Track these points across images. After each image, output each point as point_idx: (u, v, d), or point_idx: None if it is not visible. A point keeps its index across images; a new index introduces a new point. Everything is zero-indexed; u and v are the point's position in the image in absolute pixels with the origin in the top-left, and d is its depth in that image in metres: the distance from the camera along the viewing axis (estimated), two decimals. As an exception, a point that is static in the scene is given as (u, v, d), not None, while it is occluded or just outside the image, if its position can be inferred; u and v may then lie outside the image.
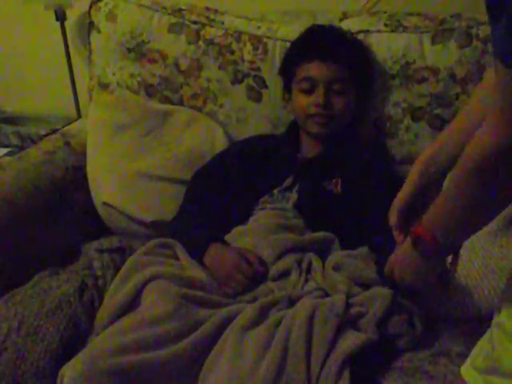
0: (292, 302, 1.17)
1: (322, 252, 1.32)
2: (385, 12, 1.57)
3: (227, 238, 1.37)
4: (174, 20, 1.62)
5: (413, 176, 1.03)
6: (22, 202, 1.43)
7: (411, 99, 1.50)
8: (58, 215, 1.51)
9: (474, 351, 0.87)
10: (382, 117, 1.54)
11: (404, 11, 1.56)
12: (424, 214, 0.96)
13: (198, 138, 1.61)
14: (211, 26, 1.60)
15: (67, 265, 1.41)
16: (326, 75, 1.42)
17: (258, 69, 1.58)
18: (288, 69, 1.50)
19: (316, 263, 1.27)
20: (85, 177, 1.60)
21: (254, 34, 1.58)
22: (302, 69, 1.45)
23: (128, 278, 1.25)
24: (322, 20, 1.57)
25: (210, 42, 1.60)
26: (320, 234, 1.34)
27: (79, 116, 2.04)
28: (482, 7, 0.69)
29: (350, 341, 1.06)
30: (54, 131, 1.77)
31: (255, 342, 1.06)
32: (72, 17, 1.98)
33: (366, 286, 1.20)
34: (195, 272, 1.28)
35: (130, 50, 1.65)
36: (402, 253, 1.08)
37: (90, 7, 1.68)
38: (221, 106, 1.64)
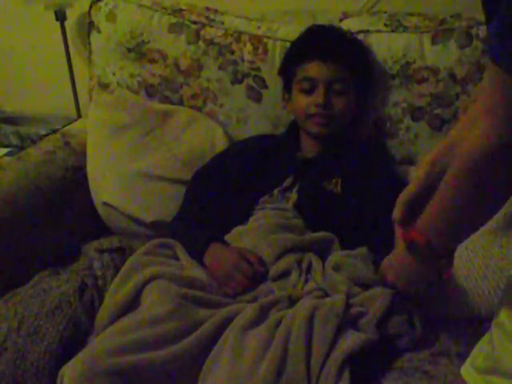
0: (292, 302, 1.17)
1: (322, 252, 1.32)
2: (385, 12, 1.57)
3: (227, 237, 1.37)
4: (174, 20, 1.62)
5: (419, 175, 1.03)
6: (22, 202, 1.43)
7: (411, 99, 1.50)
8: (58, 215, 1.52)
9: (474, 351, 0.87)
10: (382, 117, 1.54)
11: (404, 11, 1.56)
12: (418, 219, 0.97)
13: (198, 138, 1.61)
14: (211, 26, 1.60)
15: (67, 265, 1.41)
16: (326, 75, 1.42)
17: (258, 69, 1.58)
18: (288, 69, 1.50)
19: (316, 263, 1.27)
20: (85, 177, 1.60)
21: (254, 34, 1.58)
22: (301, 69, 1.45)
23: (128, 277, 1.25)
24: (322, 20, 1.57)
25: (210, 42, 1.60)
26: (320, 234, 1.33)
27: (79, 116, 2.04)
28: (482, 7, 0.69)
29: (350, 341, 1.06)
30: (54, 131, 1.77)
31: (255, 342, 1.06)
32: (72, 17, 1.98)
33: (365, 285, 1.20)
34: (195, 272, 1.28)
35: (130, 50, 1.65)
36: (396, 257, 1.08)
37: (90, 7, 1.68)
38: (221, 105, 1.64)
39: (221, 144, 1.61)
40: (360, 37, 1.51)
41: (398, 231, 1.04)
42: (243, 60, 1.58)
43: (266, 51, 1.57)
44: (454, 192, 0.82)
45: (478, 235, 1.29)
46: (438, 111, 1.49)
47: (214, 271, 1.28)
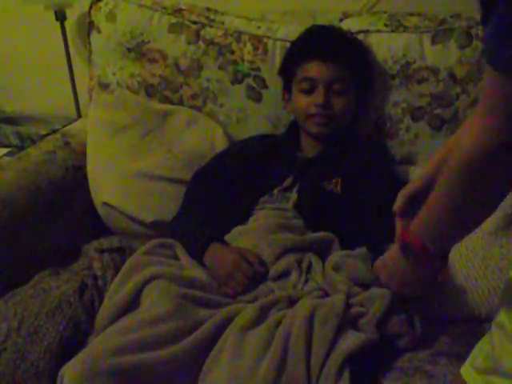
0: (292, 302, 1.17)
1: (322, 252, 1.32)
2: (385, 12, 1.57)
3: (227, 237, 1.36)
4: (174, 20, 1.62)
5: (423, 172, 1.03)
6: (22, 202, 1.43)
7: (411, 99, 1.50)
8: (58, 215, 1.52)
9: (474, 351, 0.87)
10: (382, 117, 1.54)
11: (404, 11, 1.56)
12: (412, 222, 0.97)
13: (198, 138, 1.61)
14: (211, 26, 1.60)
15: (67, 265, 1.41)
16: (326, 75, 1.42)
17: (258, 69, 1.58)
18: (288, 69, 1.50)
19: (316, 263, 1.27)
20: (85, 177, 1.60)
21: (254, 34, 1.58)
22: (301, 69, 1.45)
23: (128, 277, 1.25)
24: (322, 20, 1.57)
25: (210, 42, 1.60)
26: (320, 234, 1.33)
27: (79, 116, 2.05)
28: (482, 7, 0.69)
29: (350, 341, 1.06)
30: (54, 131, 1.77)
31: (255, 342, 1.06)
32: (72, 17, 1.98)
33: (365, 286, 1.20)
34: (195, 272, 1.28)
35: (130, 50, 1.65)
36: (390, 259, 1.08)
37: (90, 7, 1.68)
38: (221, 105, 1.64)
39: (221, 144, 1.61)
40: (360, 37, 1.51)
41: (398, 224, 1.04)
42: (243, 60, 1.58)
43: (265, 51, 1.57)
44: (449, 193, 0.82)
45: (478, 235, 1.29)
46: (438, 111, 1.49)
47: (214, 271, 1.28)
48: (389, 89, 1.51)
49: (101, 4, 1.66)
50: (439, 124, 1.49)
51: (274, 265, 1.27)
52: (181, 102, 1.66)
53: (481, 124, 0.72)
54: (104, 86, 1.70)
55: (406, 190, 1.04)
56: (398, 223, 1.04)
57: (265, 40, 1.57)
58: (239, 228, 1.38)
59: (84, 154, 1.62)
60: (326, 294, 1.20)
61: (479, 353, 0.85)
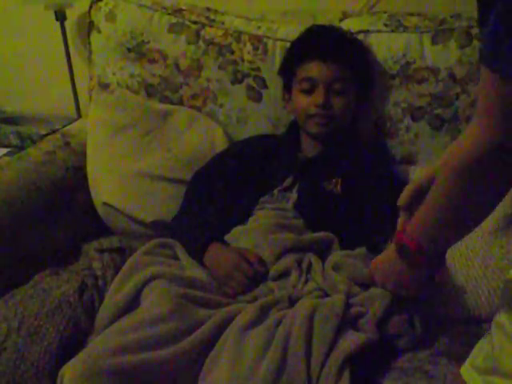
0: (292, 302, 1.17)
1: (322, 252, 1.32)
2: (385, 12, 1.57)
3: (227, 237, 1.36)
4: (174, 20, 1.62)
5: (431, 171, 1.02)
6: (21, 202, 1.43)
7: (411, 99, 1.50)
8: (58, 215, 1.51)
9: (474, 351, 0.87)
10: (382, 117, 1.54)
11: (404, 11, 1.55)
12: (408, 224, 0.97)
13: (198, 138, 1.61)
14: (211, 26, 1.60)
15: (67, 265, 1.41)
16: (326, 75, 1.42)
17: (258, 69, 1.58)
18: (288, 69, 1.50)
19: (316, 263, 1.27)
20: (85, 177, 1.60)
21: (254, 34, 1.58)
22: (302, 69, 1.45)
23: (128, 277, 1.25)
24: (322, 20, 1.57)
25: (210, 42, 1.60)
26: (320, 234, 1.33)
27: (79, 116, 2.04)
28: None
29: (350, 341, 1.06)
30: (54, 131, 1.77)
31: (255, 342, 1.06)
32: (72, 17, 1.98)
33: (365, 286, 1.20)
34: (195, 272, 1.28)
35: (130, 50, 1.65)
36: (386, 260, 1.08)
37: (90, 7, 1.68)
38: (221, 105, 1.64)
39: (221, 144, 1.61)
40: (360, 37, 1.51)
41: (401, 218, 1.04)
42: (243, 60, 1.58)
43: (265, 51, 1.57)
44: (447, 193, 0.82)
45: (478, 235, 1.29)
46: (438, 111, 1.49)
47: (214, 271, 1.28)
48: (389, 89, 1.51)
49: (101, 4, 1.66)
50: (439, 124, 1.49)
51: (273, 265, 1.27)
52: (181, 102, 1.66)
53: (478, 125, 0.72)
54: (104, 86, 1.70)
55: (414, 184, 1.03)
56: (402, 217, 1.04)
57: (265, 40, 1.57)
58: (239, 228, 1.38)
59: (84, 153, 1.62)
60: (326, 294, 1.20)
61: (479, 353, 0.85)
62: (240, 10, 1.66)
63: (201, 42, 1.61)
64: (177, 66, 1.63)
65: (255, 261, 1.26)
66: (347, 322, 1.11)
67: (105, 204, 1.57)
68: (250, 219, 1.40)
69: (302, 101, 1.44)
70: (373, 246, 1.29)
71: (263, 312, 1.14)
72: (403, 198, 1.04)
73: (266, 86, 1.59)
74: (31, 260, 1.40)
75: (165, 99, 1.67)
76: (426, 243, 0.94)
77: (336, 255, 1.28)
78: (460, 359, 0.90)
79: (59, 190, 1.53)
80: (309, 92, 1.44)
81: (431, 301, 1.23)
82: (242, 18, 1.61)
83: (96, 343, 1.09)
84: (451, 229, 0.89)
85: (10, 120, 2.15)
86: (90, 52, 1.71)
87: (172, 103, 1.67)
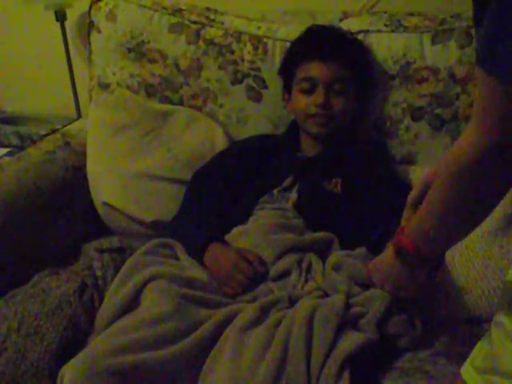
0: (292, 302, 1.17)
1: (322, 252, 1.32)
2: (385, 12, 1.57)
3: (227, 238, 1.36)
4: (174, 20, 1.62)
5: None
6: (21, 202, 1.43)
7: (411, 99, 1.50)
8: (58, 215, 1.51)
9: (474, 351, 0.87)
10: (382, 117, 1.54)
11: (404, 11, 1.55)
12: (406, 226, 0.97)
13: (198, 138, 1.62)
14: (211, 26, 1.60)
15: (67, 265, 1.41)
16: (326, 75, 1.42)
17: (258, 69, 1.58)
18: (288, 69, 1.50)
19: (316, 263, 1.27)
20: (85, 177, 1.60)
21: (254, 34, 1.58)
22: (301, 69, 1.45)
23: (128, 277, 1.25)
24: (321, 20, 1.57)
25: (210, 42, 1.60)
26: (320, 234, 1.33)
27: (79, 116, 2.05)
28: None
29: (350, 341, 1.06)
30: (54, 131, 1.77)
31: (255, 342, 1.06)
32: (72, 17, 1.98)
33: (365, 286, 1.20)
34: (195, 272, 1.28)
35: (130, 50, 1.65)
36: (385, 261, 1.08)
37: (90, 7, 1.68)
38: (221, 106, 1.64)
39: (221, 144, 1.61)
40: (360, 37, 1.51)
41: (406, 212, 1.04)
42: (243, 60, 1.58)
43: (265, 51, 1.57)
44: (445, 195, 0.82)
45: (478, 235, 1.29)
46: (438, 111, 1.49)
47: (213, 271, 1.28)
48: (389, 89, 1.51)
49: (101, 4, 1.66)
50: (439, 124, 1.49)
51: (273, 265, 1.27)
52: (181, 102, 1.66)
53: (476, 125, 0.72)
54: (104, 86, 1.70)
55: (423, 182, 1.03)
56: (406, 214, 1.04)
57: (265, 40, 1.57)
58: (239, 228, 1.38)
59: (84, 153, 1.62)
60: (326, 294, 1.20)
61: (479, 352, 0.85)
62: (240, 10, 1.66)
63: (201, 42, 1.61)
64: (177, 65, 1.63)
65: (255, 261, 1.26)
66: (347, 322, 1.11)
67: (105, 204, 1.57)
68: (250, 219, 1.40)
69: (302, 101, 1.44)
70: (373, 246, 1.29)
71: (263, 312, 1.14)
72: (413, 195, 1.04)
73: (266, 86, 1.59)
74: (31, 260, 1.40)
75: (165, 99, 1.67)
76: (424, 245, 0.94)
77: (336, 255, 1.28)
78: (460, 359, 0.90)
79: (59, 189, 1.53)
80: (309, 92, 1.44)
81: (431, 301, 1.23)
82: (242, 18, 1.61)
83: (96, 343, 1.09)
84: (450, 230, 0.89)
85: (10, 120, 2.15)
86: (90, 52, 1.71)
87: (172, 103, 1.67)
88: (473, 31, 1.44)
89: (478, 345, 0.87)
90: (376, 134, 1.56)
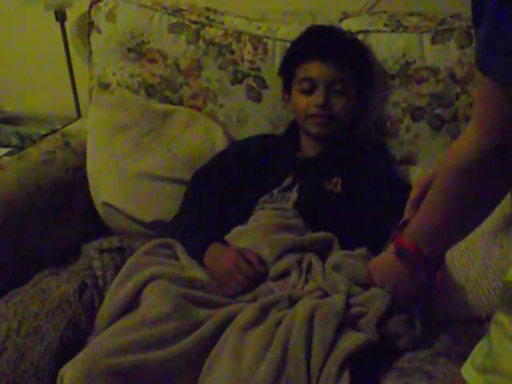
0: (292, 302, 1.17)
1: (322, 252, 1.32)
2: (385, 12, 1.57)
3: (227, 237, 1.36)
4: (174, 20, 1.62)
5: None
6: (21, 202, 1.43)
7: (411, 99, 1.50)
8: (58, 215, 1.51)
9: (475, 351, 0.87)
10: (382, 117, 1.54)
11: (404, 11, 1.56)
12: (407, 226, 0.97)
13: (198, 138, 1.61)
14: (211, 26, 1.60)
15: (67, 265, 1.41)
16: (326, 75, 1.42)
17: (258, 69, 1.58)
18: (288, 69, 1.50)
19: (316, 263, 1.27)
20: (85, 177, 1.60)
21: (254, 34, 1.58)
22: (301, 69, 1.45)
23: (128, 277, 1.25)
24: (322, 20, 1.57)
25: (210, 42, 1.60)
26: (320, 234, 1.33)
27: (79, 116, 2.05)
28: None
29: (350, 341, 1.06)
30: (54, 131, 1.77)
31: (255, 342, 1.06)
32: (72, 17, 1.98)
33: (366, 285, 1.20)
34: (195, 272, 1.28)
35: (130, 50, 1.65)
36: (385, 261, 1.08)
37: (90, 7, 1.68)
38: (221, 106, 1.64)
39: (221, 144, 1.61)
40: (360, 37, 1.51)
41: (407, 211, 1.04)
42: (243, 60, 1.58)
43: (265, 51, 1.56)
44: (445, 195, 0.82)
45: (478, 235, 1.29)
46: (438, 111, 1.49)
47: (213, 271, 1.28)
48: (389, 89, 1.51)
49: (101, 4, 1.66)
50: (439, 124, 1.49)
51: (273, 265, 1.27)
52: (181, 102, 1.66)
53: (476, 126, 0.72)
54: (104, 86, 1.70)
55: (424, 179, 1.02)
56: (408, 211, 1.04)
57: (265, 40, 1.57)
58: (239, 228, 1.38)
59: (84, 153, 1.62)
60: (326, 294, 1.20)
61: (479, 352, 0.85)
62: (240, 9, 1.66)
63: (201, 42, 1.61)
64: (177, 65, 1.63)
65: (255, 261, 1.26)
66: (347, 322, 1.11)
67: (105, 204, 1.57)
68: (250, 219, 1.40)
69: (302, 101, 1.44)
70: (373, 246, 1.29)
71: (263, 312, 1.14)
72: (415, 192, 1.03)
73: (266, 86, 1.59)
74: (31, 260, 1.40)
75: (165, 99, 1.67)
76: (425, 245, 0.94)
77: (336, 255, 1.28)
78: (460, 359, 0.90)
79: (59, 190, 1.53)
80: (309, 92, 1.44)
81: (431, 301, 1.23)
82: (242, 17, 1.61)
83: (96, 343, 1.09)
84: (450, 230, 0.89)
85: (10, 120, 2.15)
86: (90, 52, 1.71)
87: (172, 103, 1.67)
88: (473, 31, 1.44)
89: (479, 344, 0.87)
90: (376, 134, 1.56)
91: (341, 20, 1.57)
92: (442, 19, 1.48)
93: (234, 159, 1.52)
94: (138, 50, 1.65)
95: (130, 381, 1.03)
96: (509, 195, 0.81)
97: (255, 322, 1.11)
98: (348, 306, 1.14)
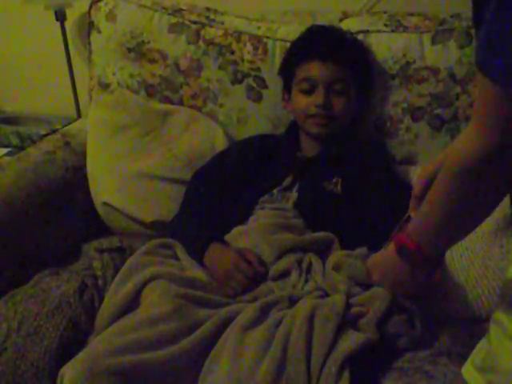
0: (292, 302, 1.17)
1: (322, 252, 1.31)
2: (385, 12, 1.57)
3: (227, 237, 1.36)
4: (174, 20, 1.62)
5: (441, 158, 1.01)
6: (21, 202, 1.43)
7: (411, 99, 1.50)
8: (58, 215, 1.52)
9: (475, 351, 0.87)
10: (382, 117, 1.54)
11: (404, 11, 1.56)
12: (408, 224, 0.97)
13: (198, 138, 1.61)
14: (211, 26, 1.60)
15: (67, 265, 1.41)
16: (326, 75, 1.42)
17: (258, 69, 1.58)
18: (288, 69, 1.50)
19: (316, 263, 1.27)
20: (85, 177, 1.60)
21: (254, 34, 1.58)
22: (301, 69, 1.45)
23: (128, 277, 1.25)
24: (322, 20, 1.57)
25: (210, 42, 1.60)
26: (320, 234, 1.33)
27: (79, 116, 2.05)
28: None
29: (350, 341, 1.06)
30: (54, 131, 1.77)
31: (255, 342, 1.06)
32: (72, 17, 1.98)
33: (366, 286, 1.20)
34: (195, 272, 1.28)
35: (130, 50, 1.65)
36: (385, 258, 1.08)
37: (90, 7, 1.68)
38: (221, 105, 1.64)
39: (221, 144, 1.61)
40: (360, 37, 1.51)
41: (412, 206, 1.04)
42: (243, 60, 1.58)
43: (265, 51, 1.56)
44: (445, 195, 0.83)
45: (478, 235, 1.29)
46: (438, 111, 1.49)
47: (213, 271, 1.28)
48: (389, 89, 1.51)
49: (101, 4, 1.66)
50: (439, 124, 1.49)
51: (273, 265, 1.27)
52: (181, 102, 1.66)
53: (476, 126, 0.72)
54: (104, 86, 1.70)
55: (427, 172, 1.02)
56: (412, 205, 1.04)
57: (265, 40, 1.57)
58: (239, 228, 1.38)
59: (84, 153, 1.62)
60: (326, 294, 1.20)
61: (479, 351, 0.85)
62: (240, 10, 1.66)
63: (201, 42, 1.61)
64: (177, 65, 1.63)
65: (255, 261, 1.26)
66: (347, 322, 1.11)
67: (105, 204, 1.57)
68: (250, 219, 1.40)
69: (302, 101, 1.44)
70: (373, 246, 1.29)
71: (263, 312, 1.14)
72: (416, 190, 1.03)
73: (266, 86, 1.59)
74: (31, 260, 1.40)
75: (165, 99, 1.67)
76: (425, 243, 0.94)
77: (336, 255, 1.28)
78: (460, 359, 0.90)
79: (59, 190, 1.54)
80: (309, 92, 1.43)
81: (431, 301, 1.23)
82: (242, 18, 1.61)
83: (96, 343, 1.09)
84: (451, 229, 0.89)
85: (10, 120, 2.15)
86: (90, 52, 1.71)
87: (172, 103, 1.67)
88: (473, 31, 1.44)
89: (479, 344, 0.87)
90: (376, 134, 1.56)
91: (341, 20, 1.57)
92: (442, 19, 1.48)
93: (233, 159, 1.52)
94: (137, 50, 1.65)
95: (130, 381, 1.03)
96: (509, 195, 0.81)
97: (255, 322, 1.11)
98: (348, 306, 1.14)
